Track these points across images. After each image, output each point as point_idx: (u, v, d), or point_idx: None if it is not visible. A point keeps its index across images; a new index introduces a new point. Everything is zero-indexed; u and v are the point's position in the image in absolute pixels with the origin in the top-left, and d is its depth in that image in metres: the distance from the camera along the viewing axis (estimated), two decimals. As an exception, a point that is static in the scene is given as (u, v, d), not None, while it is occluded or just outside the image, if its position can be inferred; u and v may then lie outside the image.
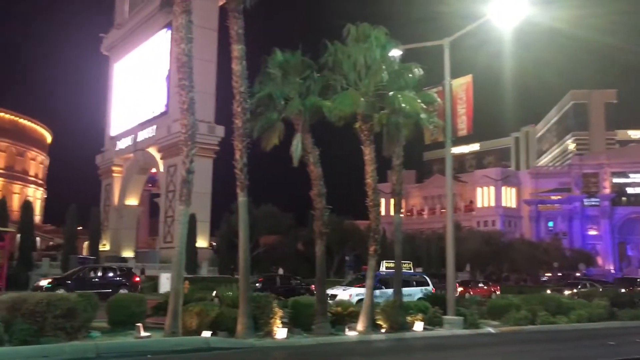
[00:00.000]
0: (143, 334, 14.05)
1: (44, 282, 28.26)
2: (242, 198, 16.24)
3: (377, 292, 23.85)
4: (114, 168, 75.08)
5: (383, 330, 18.03)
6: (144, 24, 70.05)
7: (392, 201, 21.45)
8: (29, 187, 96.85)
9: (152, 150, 66.25)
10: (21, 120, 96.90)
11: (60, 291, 25.35)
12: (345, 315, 18.53)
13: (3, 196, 62.26)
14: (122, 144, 73.11)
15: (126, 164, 73.74)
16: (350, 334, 17.28)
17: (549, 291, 46.66)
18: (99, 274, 30.90)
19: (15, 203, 79.93)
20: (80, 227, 62.43)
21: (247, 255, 16.16)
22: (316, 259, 17.88)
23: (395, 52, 19.04)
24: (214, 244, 63.23)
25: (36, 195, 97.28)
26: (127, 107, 73.66)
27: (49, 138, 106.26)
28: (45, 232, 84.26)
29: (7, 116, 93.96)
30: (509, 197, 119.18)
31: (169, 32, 59.53)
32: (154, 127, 65.65)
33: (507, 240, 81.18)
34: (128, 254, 67.44)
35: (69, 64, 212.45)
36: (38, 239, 63.42)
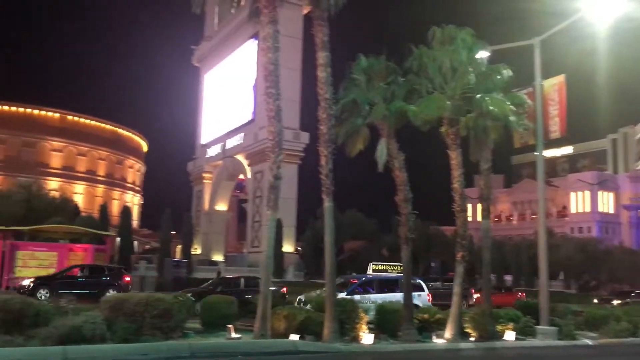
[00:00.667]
0: (234, 335, 14.51)
1: (27, 282, 26.67)
2: (327, 204, 16.42)
3: (357, 296, 20.99)
4: (205, 175, 77.96)
5: (472, 339, 17.58)
6: (232, 35, 72.41)
7: (479, 206, 20.86)
8: (127, 193, 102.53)
9: (240, 157, 68.22)
10: (120, 131, 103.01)
11: (44, 291, 25.16)
12: (432, 322, 18.25)
13: (104, 202, 66.32)
14: (212, 151, 75.81)
15: (216, 170, 76.38)
16: (438, 341, 17.00)
17: (595, 301, 43.68)
18: (86, 274, 28.67)
19: (115, 208, 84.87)
20: (174, 232, 65.39)
21: (333, 260, 16.31)
22: (402, 265, 17.75)
23: (483, 54, 18.60)
24: (300, 248, 64.15)
25: (134, 201, 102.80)
26: (217, 116, 76.35)
27: (145, 147, 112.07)
28: (142, 236, 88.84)
29: (108, 127, 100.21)
30: (606, 202, 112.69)
31: (256, 42, 61.17)
32: (242, 134, 67.60)
33: (604, 247, 76.73)
34: (218, 257, 69.75)
35: (163, 76, 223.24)
36: (135, 242, 66.87)
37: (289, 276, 50.93)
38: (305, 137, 61.02)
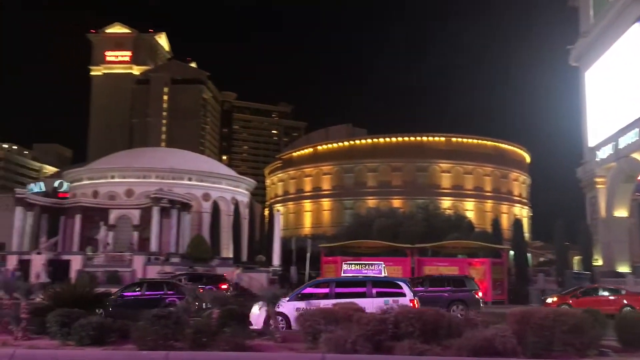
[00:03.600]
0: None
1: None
2: None
3: (301, 303, 17.23)
4: (597, 179, 71.87)
5: None
6: (612, 24, 65.74)
7: None
8: (514, 206, 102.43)
9: (637, 155, 60.77)
10: (501, 145, 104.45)
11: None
12: None
13: (495, 216, 67.61)
14: (602, 153, 69.51)
15: (609, 173, 69.62)
16: None
17: None
18: (144, 290, 26.82)
19: (504, 222, 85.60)
20: (568, 242, 62.07)
21: None
22: None
23: None
24: None
25: (522, 213, 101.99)
26: (604, 115, 69.91)
27: (527, 158, 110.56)
28: (535, 248, 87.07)
29: (489, 143, 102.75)
30: None
31: (642, 24, 54.18)
32: (636, 130, 60.22)
33: None
34: (624, 269, 63.08)
35: (536, 84, 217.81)
36: (529, 255, 65.90)
37: None
38: None
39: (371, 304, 16.93)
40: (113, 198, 64.42)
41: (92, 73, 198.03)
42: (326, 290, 18.56)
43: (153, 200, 56.26)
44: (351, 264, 22.37)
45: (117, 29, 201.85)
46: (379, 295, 18.56)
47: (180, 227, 60.08)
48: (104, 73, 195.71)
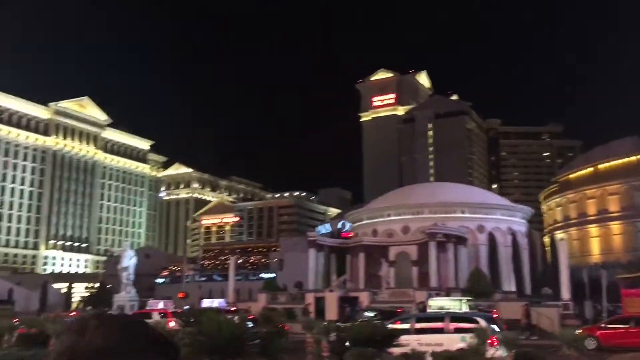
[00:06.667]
0: None
1: None
2: None
3: None
4: None
5: None
6: None
7: None
8: None
9: None
10: None
11: None
12: None
13: None
14: None
15: None
16: None
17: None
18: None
19: None
20: None
21: None
22: None
23: None
24: None
25: None
26: None
27: None
28: None
29: None
30: None
31: None
32: None
33: None
34: None
35: None
36: None
37: None
38: None
39: (448, 341, 16.28)
40: (391, 235, 67.31)
41: (362, 119, 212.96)
42: (407, 326, 18.27)
43: (428, 235, 57.15)
44: (437, 299, 22.02)
45: (381, 75, 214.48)
46: (457, 331, 17.84)
47: (458, 261, 59.68)
48: (372, 118, 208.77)
